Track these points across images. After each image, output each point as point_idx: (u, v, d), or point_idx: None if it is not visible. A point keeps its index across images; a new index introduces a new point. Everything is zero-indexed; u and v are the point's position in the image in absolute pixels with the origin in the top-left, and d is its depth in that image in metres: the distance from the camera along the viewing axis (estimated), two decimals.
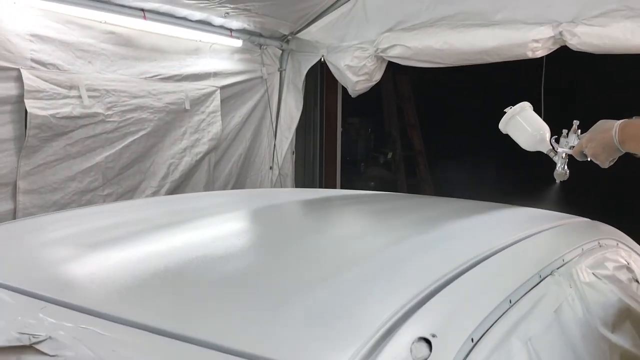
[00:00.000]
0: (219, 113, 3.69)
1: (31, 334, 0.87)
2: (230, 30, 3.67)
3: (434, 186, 6.50)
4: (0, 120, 2.71)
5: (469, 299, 1.06)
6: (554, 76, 3.37)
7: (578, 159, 1.77)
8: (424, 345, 0.87)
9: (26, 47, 2.75)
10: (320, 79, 4.41)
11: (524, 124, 1.91)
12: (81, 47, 3.00)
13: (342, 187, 4.56)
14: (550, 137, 1.88)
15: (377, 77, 3.88)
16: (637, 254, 1.97)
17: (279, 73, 4.16)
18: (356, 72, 3.81)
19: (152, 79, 3.33)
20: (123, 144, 3.20)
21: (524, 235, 1.52)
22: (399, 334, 0.89)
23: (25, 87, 2.72)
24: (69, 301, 1.02)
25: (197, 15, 3.41)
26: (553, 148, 1.87)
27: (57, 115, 2.87)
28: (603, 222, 1.98)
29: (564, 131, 1.83)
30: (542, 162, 2.02)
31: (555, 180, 1.91)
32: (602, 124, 1.64)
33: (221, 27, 3.60)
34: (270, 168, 4.10)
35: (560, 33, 3.06)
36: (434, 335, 0.89)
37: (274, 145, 4.13)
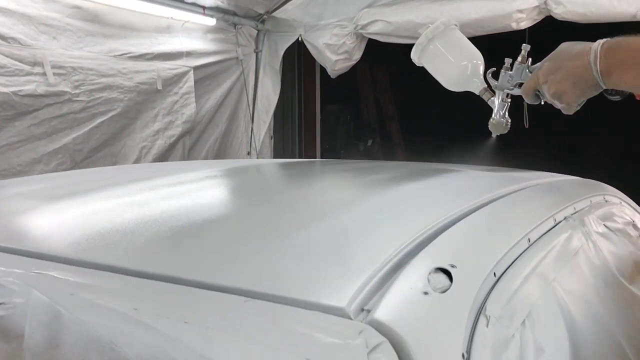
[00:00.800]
0: (193, 94, 3.53)
1: None
2: (203, 7, 3.51)
3: None
4: None
5: (486, 234, 0.93)
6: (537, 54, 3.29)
7: (529, 101, 1.23)
8: (442, 276, 0.74)
9: None
10: (298, 61, 4.27)
11: (446, 51, 1.33)
12: (45, 21, 2.82)
13: None
14: (486, 71, 1.33)
15: (357, 56, 3.75)
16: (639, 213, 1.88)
17: (255, 54, 4.01)
18: (335, 51, 3.68)
19: (121, 57, 3.16)
20: (92, 125, 3.02)
21: (530, 184, 1.41)
22: (412, 265, 0.76)
23: None
24: (21, 248, 0.87)
25: None
26: (489, 86, 1.32)
27: (20, 93, 2.69)
28: None
29: (507, 61, 1.27)
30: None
31: (491, 133, 1.38)
32: (569, 47, 1.09)
33: (193, 4, 3.44)
34: (248, 153, 3.95)
35: (545, 2, 2.98)
36: (453, 266, 0.76)
37: (252, 129, 3.98)
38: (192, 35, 3.57)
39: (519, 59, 1.25)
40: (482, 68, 1.35)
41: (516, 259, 0.89)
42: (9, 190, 1.36)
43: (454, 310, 0.69)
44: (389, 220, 0.95)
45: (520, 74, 1.25)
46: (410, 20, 3.37)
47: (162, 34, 3.39)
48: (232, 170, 1.58)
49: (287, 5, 3.82)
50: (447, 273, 0.75)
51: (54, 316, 0.68)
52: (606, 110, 1.35)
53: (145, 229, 0.92)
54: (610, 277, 1.14)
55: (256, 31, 3.98)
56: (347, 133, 5.90)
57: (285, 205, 1.11)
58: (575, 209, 1.29)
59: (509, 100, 1.32)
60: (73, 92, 2.91)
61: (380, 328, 0.63)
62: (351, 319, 0.64)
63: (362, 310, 0.66)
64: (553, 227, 1.10)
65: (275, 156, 4.15)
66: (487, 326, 0.70)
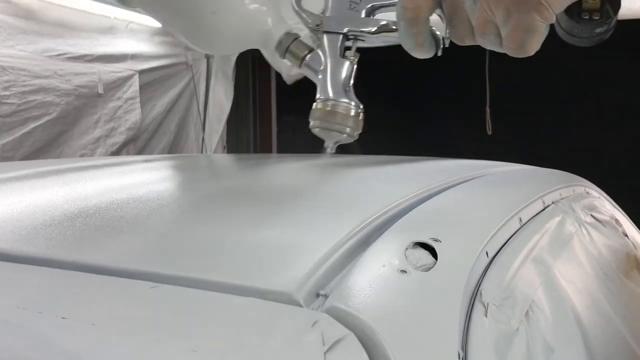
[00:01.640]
0: (138, 100, 3.29)
1: None
2: None
3: None
4: None
5: (472, 208, 0.76)
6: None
7: (418, 49, 0.61)
8: (423, 252, 0.56)
9: None
10: (252, 67, 4.08)
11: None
12: None
13: None
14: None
15: None
16: (618, 210, 1.75)
17: (206, 59, 3.81)
18: None
19: (58, 58, 2.92)
20: (24, 130, 2.75)
21: (509, 169, 1.25)
22: (384, 239, 0.57)
23: None
24: None
25: None
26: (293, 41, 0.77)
27: None
28: None
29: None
30: None
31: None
32: None
33: None
34: None
35: None
36: (436, 240, 0.57)
37: (202, 138, 3.76)
38: (138, 37, 3.35)
39: None
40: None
41: (509, 239, 0.72)
42: None
43: (443, 294, 0.51)
44: (352, 195, 0.77)
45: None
46: None
47: (105, 35, 3.16)
48: (166, 160, 1.37)
49: None
50: (429, 249, 0.56)
51: None
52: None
53: (40, 213, 0.70)
54: (609, 269, 0.98)
55: None
56: (305, 144, 5.73)
57: (222, 187, 0.91)
58: (561, 195, 1.14)
59: (355, 63, 0.70)
60: (2, 93, 2.65)
61: (341, 317, 0.44)
62: (301, 306, 0.45)
63: (318, 295, 0.48)
64: (543, 210, 0.93)
65: None
66: (486, 315, 0.52)
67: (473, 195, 0.82)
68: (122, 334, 0.41)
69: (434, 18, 0.59)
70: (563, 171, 1.69)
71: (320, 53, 0.68)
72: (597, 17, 0.53)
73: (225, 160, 1.53)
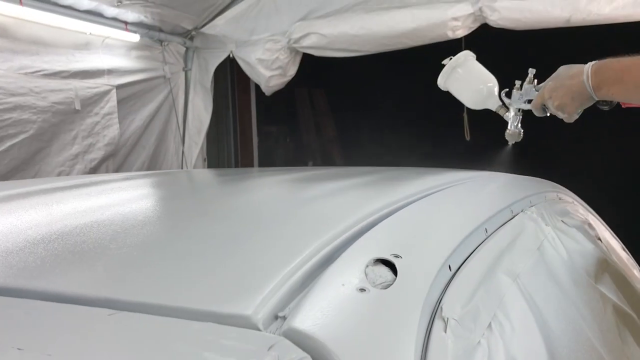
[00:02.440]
0: (116, 115, 3.26)
1: None
2: (126, 22, 3.28)
3: None
4: None
5: (436, 222, 0.76)
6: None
7: (537, 114, 1.43)
8: (384, 268, 0.56)
9: None
10: (231, 78, 4.07)
11: (467, 77, 1.58)
12: None
13: None
14: (500, 91, 1.54)
15: (292, 71, 3.59)
16: (592, 214, 1.77)
17: (184, 72, 3.79)
18: (269, 66, 3.51)
19: (33, 75, 2.88)
20: (0, 149, 2.72)
21: (484, 176, 1.26)
22: (345, 257, 0.58)
23: None
24: None
25: (85, 3, 3.00)
26: (503, 104, 1.53)
27: None
28: None
29: (517, 83, 1.49)
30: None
31: (507, 142, 1.57)
32: (567, 70, 1.32)
33: (114, 19, 3.21)
34: None
35: (480, 9, 2.91)
36: (397, 256, 0.58)
37: (182, 151, 3.74)
38: (115, 52, 3.32)
39: (527, 80, 1.47)
40: (496, 89, 1.57)
41: (474, 250, 0.72)
42: None
43: (401, 311, 0.51)
44: (318, 212, 0.77)
45: (529, 93, 1.47)
46: (345, 32, 3.25)
47: (80, 51, 3.13)
48: (133, 179, 1.36)
49: (217, 21, 3.64)
50: (389, 265, 0.57)
51: None
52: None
53: (1, 240, 0.70)
54: (578, 275, 0.99)
55: (184, 48, 3.77)
56: (286, 155, 5.72)
57: (185, 207, 0.91)
58: (531, 202, 1.15)
59: (521, 114, 1.52)
60: None
61: (299, 340, 0.44)
62: (259, 329, 0.46)
63: (276, 317, 0.48)
64: (511, 219, 0.95)
65: None
66: (446, 331, 0.53)
67: (439, 207, 0.83)
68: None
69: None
70: (537, 178, 1.71)
71: (509, 113, 1.54)
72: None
73: (193, 178, 1.52)
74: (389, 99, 5.78)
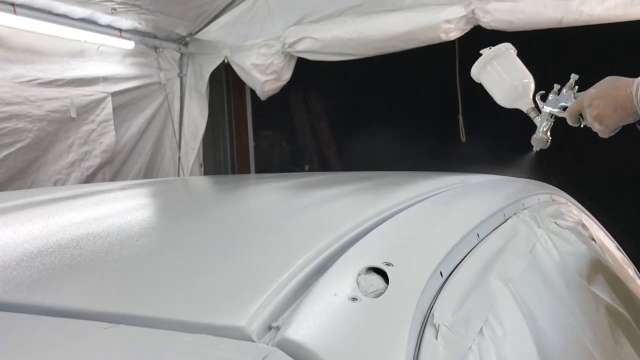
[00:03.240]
0: (112, 122, 3.27)
1: None
2: (120, 30, 3.28)
3: None
4: None
5: (428, 228, 0.77)
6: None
7: (571, 122, 1.35)
8: (376, 277, 0.57)
9: None
10: (226, 83, 4.08)
11: (503, 71, 1.48)
12: None
13: None
14: (535, 93, 1.46)
15: (287, 76, 3.60)
16: (586, 214, 1.78)
17: (179, 78, 3.80)
18: (263, 71, 3.52)
19: (28, 84, 2.89)
20: None
21: (472, 182, 1.27)
22: (337, 267, 0.59)
23: None
24: None
25: (80, 11, 3.01)
26: (536, 106, 1.46)
27: None
28: None
29: (556, 86, 1.41)
30: None
31: (533, 147, 1.50)
32: (614, 81, 1.25)
33: (109, 26, 3.22)
34: None
35: (473, 11, 2.93)
36: (389, 264, 0.59)
37: (179, 157, 3.75)
38: (109, 60, 3.33)
39: (568, 85, 1.39)
40: (532, 89, 1.49)
41: (465, 256, 0.74)
42: None
43: (393, 319, 0.52)
44: (311, 221, 0.78)
45: (567, 99, 1.39)
46: (339, 36, 3.26)
47: (75, 59, 3.14)
48: (122, 187, 1.36)
49: (211, 27, 3.65)
50: (381, 273, 0.58)
51: None
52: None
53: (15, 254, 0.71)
54: (570, 277, 1.00)
55: (179, 54, 3.78)
56: (282, 159, 5.73)
57: (179, 217, 0.92)
58: (524, 205, 1.16)
59: (552, 121, 1.45)
60: None
61: (292, 349, 0.45)
62: (253, 340, 0.47)
63: (270, 328, 0.49)
64: (503, 223, 0.96)
65: None
66: (437, 337, 0.54)
67: (432, 213, 0.84)
68: None
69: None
70: (531, 179, 1.72)
71: (540, 118, 1.47)
72: None
73: (186, 186, 1.53)
74: (385, 101, 5.80)
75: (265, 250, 0.65)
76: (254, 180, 1.54)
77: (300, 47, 3.41)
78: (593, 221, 1.80)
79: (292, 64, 3.60)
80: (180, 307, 0.52)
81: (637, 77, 1.19)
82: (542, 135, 1.45)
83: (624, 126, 1.26)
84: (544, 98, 1.45)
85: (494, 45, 1.51)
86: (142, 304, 0.52)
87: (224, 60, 3.68)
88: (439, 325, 0.55)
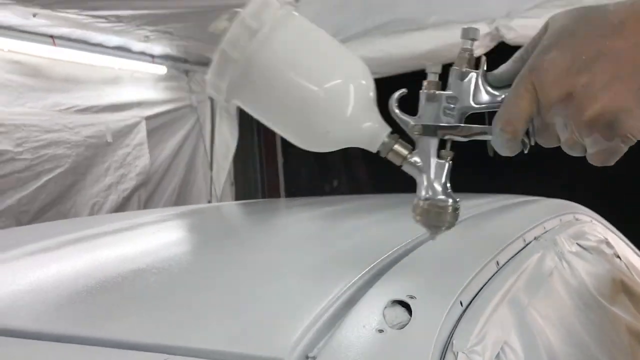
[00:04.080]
0: (146, 145, 3.40)
1: None
2: (152, 56, 3.43)
3: None
4: None
5: (448, 259, 0.83)
6: None
7: (507, 147, 0.64)
8: (400, 309, 0.63)
9: None
10: None
11: (286, 66, 0.66)
12: None
13: None
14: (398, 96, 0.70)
15: None
16: (612, 232, 1.81)
17: (210, 100, 3.93)
18: None
19: (66, 111, 3.04)
20: (37, 184, 2.86)
21: (494, 206, 1.32)
22: (365, 300, 0.65)
23: None
24: None
25: (114, 40, 3.16)
26: (400, 129, 0.71)
27: None
28: None
29: (430, 74, 0.70)
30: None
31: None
32: (592, 17, 0.57)
33: (142, 53, 3.36)
34: (209, 201, 3.81)
35: (496, 28, 2.98)
36: (412, 297, 0.65)
37: (211, 177, 3.86)
38: (143, 85, 3.48)
39: (464, 64, 0.68)
40: (372, 92, 0.71)
41: (485, 284, 0.79)
42: None
43: (416, 348, 0.58)
44: (335, 256, 0.85)
45: (473, 93, 0.66)
46: (364, 56, 3.26)
47: (110, 85, 3.28)
48: (164, 218, 1.45)
49: None
50: (405, 306, 0.64)
51: None
52: None
53: (50, 286, 0.79)
54: (589, 299, 1.04)
55: None
56: (311, 175, 5.81)
57: (217, 249, 1.00)
58: (545, 228, 1.21)
59: (450, 160, 0.70)
60: (15, 150, 2.77)
61: None
62: None
63: (307, 358, 0.55)
64: (523, 248, 1.01)
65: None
66: None
67: (453, 243, 0.89)
68: None
69: None
70: (554, 199, 1.76)
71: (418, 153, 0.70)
72: None
73: (220, 215, 1.61)
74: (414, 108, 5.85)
75: (302, 282, 0.72)
76: (286, 208, 1.62)
77: None
78: (619, 238, 1.83)
79: None
80: (228, 338, 0.58)
81: None
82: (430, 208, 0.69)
83: None
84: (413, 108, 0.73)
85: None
86: (194, 337, 0.59)
87: None
88: (457, 352, 0.61)
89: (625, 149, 0.57)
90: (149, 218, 1.35)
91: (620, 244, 1.74)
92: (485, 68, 0.67)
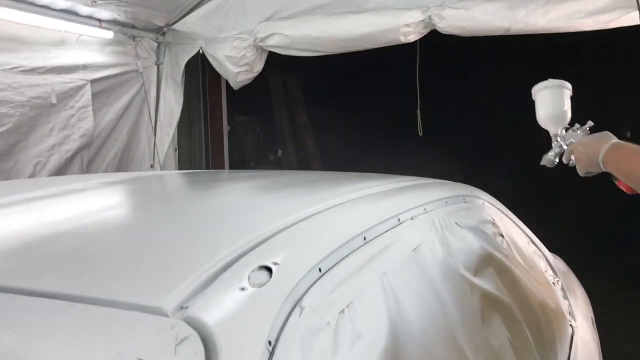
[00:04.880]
0: (91, 108, 3.47)
1: None
2: (100, 20, 3.47)
3: None
4: None
5: (319, 235, 1.02)
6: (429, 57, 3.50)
7: (564, 159, 1.66)
8: (264, 273, 0.81)
9: None
10: (202, 72, 4.28)
11: (551, 100, 1.76)
12: None
13: None
14: (564, 127, 1.73)
15: (258, 68, 3.82)
16: (506, 216, 2.04)
17: (156, 66, 4.00)
18: (236, 63, 3.73)
19: (11, 71, 3.08)
20: None
21: (387, 187, 1.52)
22: (237, 265, 0.83)
23: None
24: None
25: (61, 3, 3.19)
26: (559, 135, 1.73)
27: None
28: None
29: (576, 125, 1.70)
30: None
31: (541, 161, 1.77)
32: (602, 137, 1.51)
33: (89, 17, 3.40)
34: (151, 166, 3.92)
35: (430, 17, 3.16)
36: (275, 263, 0.83)
37: (154, 142, 3.96)
38: (89, 48, 3.52)
39: (582, 128, 1.66)
40: (565, 124, 1.72)
41: (347, 255, 0.98)
42: None
43: (268, 303, 0.76)
44: (229, 226, 1.02)
45: (576, 137, 1.65)
46: (307, 34, 3.48)
47: (56, 47, 3.32)
48: (99, 183, 1.60)
49: (187, 18, 3.84)
50: (269, 270, 0.82)
51: None
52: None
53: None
54: (449, 271, 1.25)
55: (156, 43, 3.97)
56: (257, 143, 5.95)
57: (134, 213, 1.16)
58: (425, 209, 1.40)
59: (563, 149, 1.68)
60: None
61: (192, 322, 0.69)
62: (168, 316, 0.70)
63: (181, 308, 0.72)
64: (396, 226, 1.20)
65: (181, 168, 4.14)
66: (300, 316, 0.78)
67: (329, 220, 1.08)
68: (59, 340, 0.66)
69: None
70: (455, 182, 1.97)
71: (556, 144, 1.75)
72: None
73: (141, 182, 1.76)
74: (362, 87, 6.04)
75: (187, 249, 0.89)
76: (206, 176, 1.78)
77: (271, 42, 3.61)
78: (510, 220, 2.06)
79: (264, 56, 3.81)
80: (116, 288, 0.75)
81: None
82: (550, 157, 1.72)
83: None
84: (566, 129, 1.72)
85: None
86: (93, 287, 0.76)
87: (199, 51, 3.88)
88: (304, 307, 0.79)
89: (580, 172, 1.58)
90: (79, 185, 1.49)
91: (508, 224, 1.97)
92: (588, 131, 1.66)
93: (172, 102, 4.02)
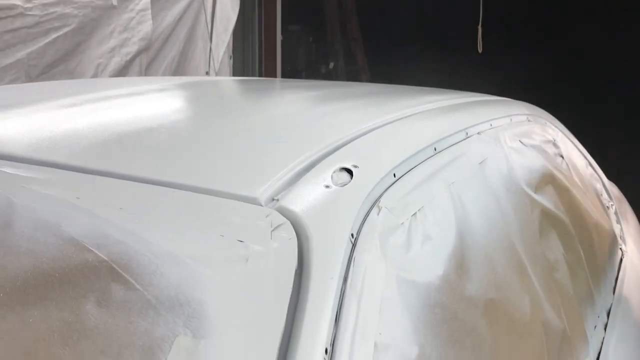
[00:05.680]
0: (149, 11, 3.50)
1: None
2: None
3: None
4: None
5: (394, 143, 1.06)
6: None
7: None
8: (345, 174, 0.87)
9: None
10: None
11: None
12: None
13: None
14: None
15: None
16: (567, 137, 2.04)
17: None
18: None
19: None
20: (46, 41, 3.01)
21: (453, 102, 1.53)
22: (321, 165, 0.88)
23: None
24: None
25: None
26: None
27: None
28: None
29: None
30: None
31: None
32: None
33: None
34: (207, 73, 3.97)
35: None
36: (355, 166, 0.88)
37: (210, 48, 3.99)
38: None
39: None
40: None
41: (420, 163, 1.02)
42: None
43: (349, 201, 0.82)
44: (309, 130, 1.07)
45: None
46: None
47: None
48: (176, 85, 1.66)
49: None
50: (349, 172, 0.87)
51: (6, 204, 0.79)
52: None
53: (88, 133, 1.01)
54: (512, 185, 1.28)
55: None
56: (309, 55, 5.91)
57: (218, 114, 1.22)
58: (491, 125, 1.42)
59: None
60: (25, 5, 2.88)
61: (284, 212, 0.75)
62: (262, 206, 0.77)
63: (273, 199, 0.79)
64: (464, 140, 1.23)
65: (234, 76, 4.18)
66: (378, 214, 0.84)
67: (402, 130, 1.12)
68: (165, 221, 0.74)
69: None
70: (516, 100, 1.97)
71: None
72: None
73: (215, 86, 1.82)
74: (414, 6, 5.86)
75: (278, 148, 0.95)
76: (280, 85, 1.82)
77: None
78: (570, 141, 2.06)
79: None
80: (214, 178, 0.82)
81: None
82: None
83: None
84: None
85: None
86: (196, 177, 0.83)
87: None
88: (382, 207, 0.85)
89: None
90: (157, 86, 1.55)
91: (568, 145, 1.97)
92: None
93: (228, 9, 4.00)
